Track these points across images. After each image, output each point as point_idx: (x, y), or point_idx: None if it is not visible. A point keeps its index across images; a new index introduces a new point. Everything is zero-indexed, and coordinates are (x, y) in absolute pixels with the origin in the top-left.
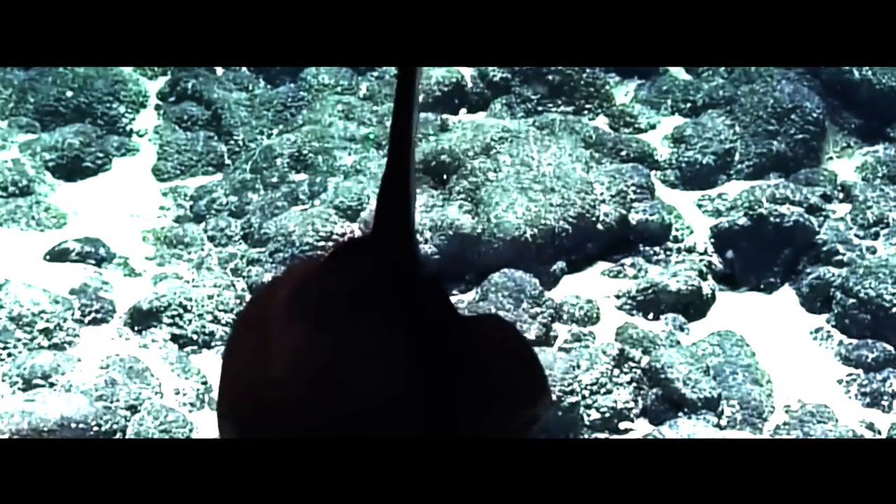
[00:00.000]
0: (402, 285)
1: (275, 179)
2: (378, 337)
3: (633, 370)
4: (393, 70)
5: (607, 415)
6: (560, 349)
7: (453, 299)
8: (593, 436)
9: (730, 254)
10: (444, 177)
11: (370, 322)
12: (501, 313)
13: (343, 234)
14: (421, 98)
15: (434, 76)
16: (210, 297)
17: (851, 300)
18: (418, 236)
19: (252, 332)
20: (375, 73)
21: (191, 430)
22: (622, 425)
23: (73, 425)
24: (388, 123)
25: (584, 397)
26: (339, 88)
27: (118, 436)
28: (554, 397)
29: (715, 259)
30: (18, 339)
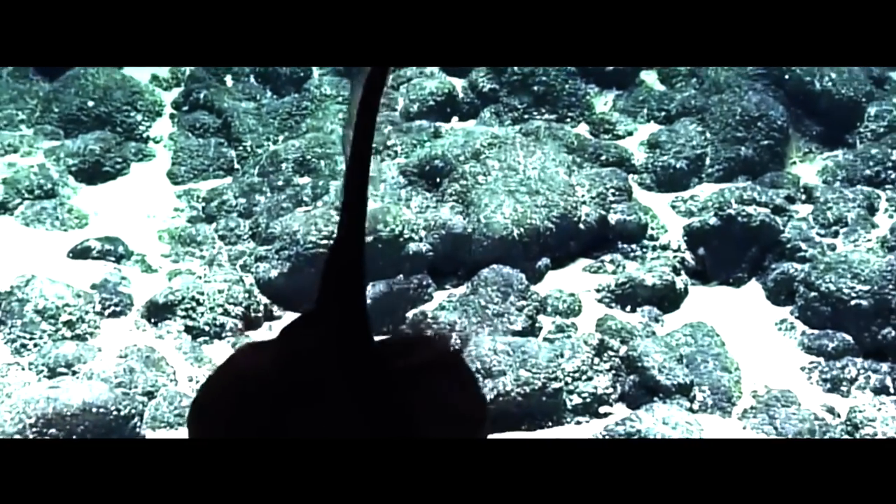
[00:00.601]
0: (351, 363)
1: (280, 183)
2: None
3: (612, 358)
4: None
5: (588, 400)
6: (545, 339)
7: (445, 294)
8: (575, 419)
9: (701, 251)
10: (437, 180)
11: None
12: (491, 306)
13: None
14: (415, 108)
15: (427, 87)
16: (220, 292)
17: (813, 293)
18: (413, 235)
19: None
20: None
21: None
22: (602, 409)
23: (95, 410)
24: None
25: (566, 384)
26: (339, 98)
27: (136, 420)
28: (539, 384)
29: (687, 256)
30: (43, 331)
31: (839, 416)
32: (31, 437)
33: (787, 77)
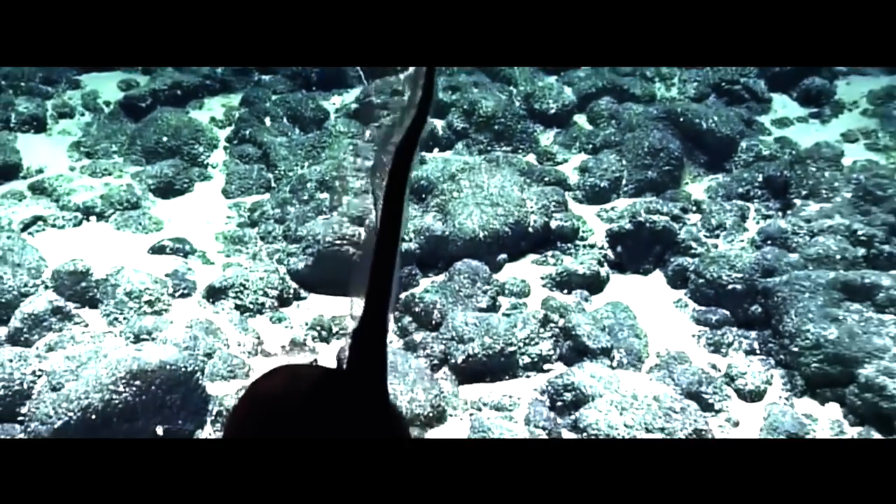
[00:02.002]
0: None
1: (306, 197)
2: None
3: (553, 328)
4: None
5: (535, 359)
6: (503, 314)
7: (428, 281)
8: (525, 374)
9: (619, 248)
10: (423, 195)
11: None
12: (463, 290)
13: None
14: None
15: None
16: (261, 279)
17: (701, 280)
18: (404, 237)
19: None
20: (376, 125)
21: (248, 372)
22: (545, 367)
23: (168, 367)
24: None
25: (519, 347)
26: (350, 134)
27: (198, 374)
28: (499, 347)
29: (609, 252)
30: (130, 308)
31: (720, 370)
32: (120, 387)
33: (681, 119)
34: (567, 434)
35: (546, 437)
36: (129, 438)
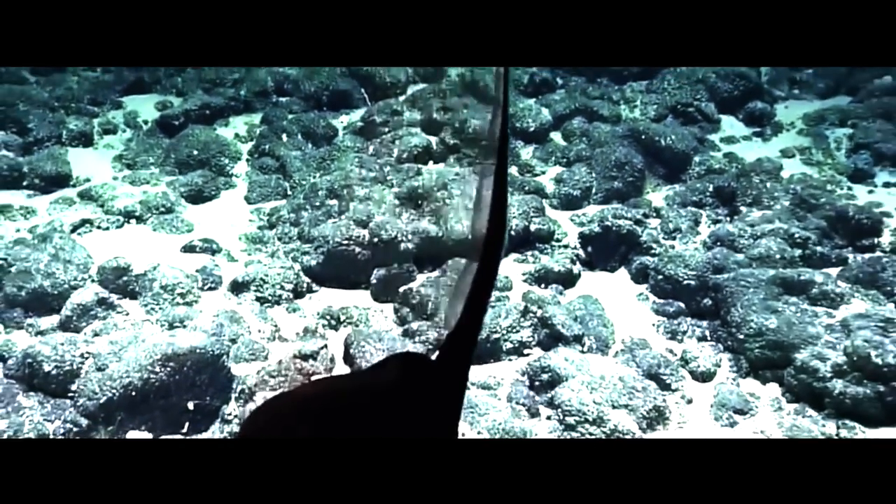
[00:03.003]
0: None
1: (317, 203)
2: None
3: (532, 318)
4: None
5: (516, 345)
6: (490, 306)
7: (424, 276)
8: (507, 358)
9: (589, 249)
10: (419, 202)
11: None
12: (453, 284)
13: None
14: (405, 155)
15: (413, 141)
16: (278, 274)
17: (660, 276)
18: (403, 238)
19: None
20: (379, 140)
21: (266, 355)
22: (525, 351)
23: (198, 350)
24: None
25: (502, 335)
26: (356, 148)
27: (224, 357)
28: (485, 334)
29: (580, 252)
30: (165, 299)
31: (676, 355)
32: (157, 368)
33: (643, 137)
34: (543, 409)
35: (529, 414)
36: (128, 438)
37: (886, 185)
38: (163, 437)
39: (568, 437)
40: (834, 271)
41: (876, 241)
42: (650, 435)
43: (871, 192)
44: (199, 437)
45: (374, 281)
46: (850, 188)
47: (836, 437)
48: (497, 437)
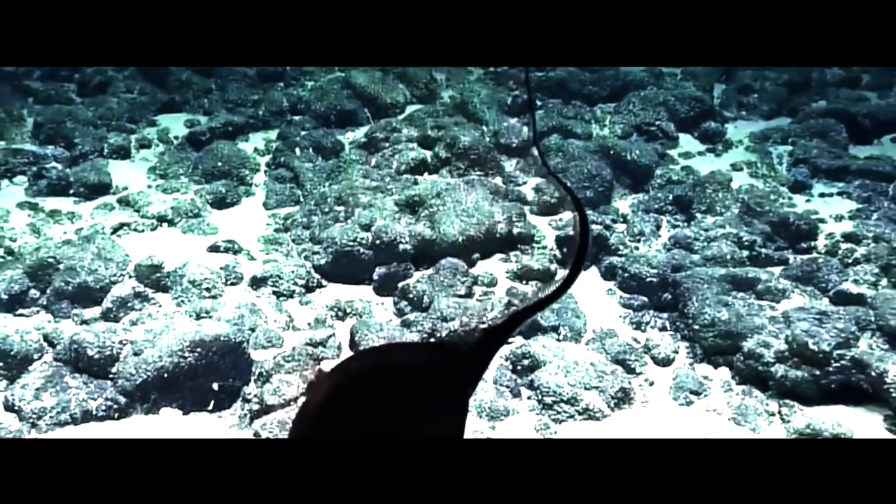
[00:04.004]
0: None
1: (326, 210)
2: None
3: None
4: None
5: None
6: (477, 300)
7: (420, 274)
8: None
9: (564, 250)
10: (416, 208)
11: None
12: (446, 281)
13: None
14: (403, 167)
15: (411, 155)
16: (292, 272)
17: (626, 274)
18: (402, 240)
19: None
20: (380, 154)
21: (282, 342)
22: (509, 339)
23: (221, 338)
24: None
25: (488, 326)
26: (360, 161)
27: (244, 344)
28: (473, 325)
29: (557, 253)
30: (193, 293)
31: (640, 343)
32: (186, 353)
33: (611, 152)
34: (524, 391)
35: (511, 395)
36: (127, 438)
37: (822, 195)
38: (162, 437)
39: (546, 415)
40: (777, 270)
41: (813, 244)
42: (616, 413)
43: (808, 200)
44: (197, 438)
45: (375, 277)
46: (790, 198)
47: (835, 438)
48: (483, 414)
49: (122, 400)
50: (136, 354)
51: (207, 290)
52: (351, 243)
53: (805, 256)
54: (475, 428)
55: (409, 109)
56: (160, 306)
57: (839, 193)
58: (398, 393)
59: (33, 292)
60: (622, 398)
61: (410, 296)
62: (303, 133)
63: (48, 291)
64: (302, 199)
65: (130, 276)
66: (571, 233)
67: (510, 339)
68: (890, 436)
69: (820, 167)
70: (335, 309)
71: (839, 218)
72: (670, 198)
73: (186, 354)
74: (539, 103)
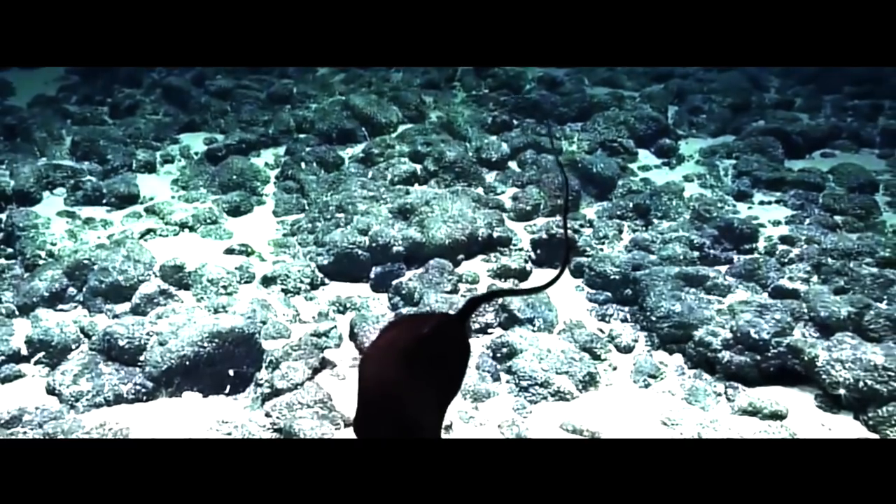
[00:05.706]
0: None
1: (328, 216)
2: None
3: (495, 305)
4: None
5: (482, 326)
6: (461, 296)
7: (411, 273)
8: (474, 335)
9: (538, 251)
10: (408, 215)
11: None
12: (434, 279)
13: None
14: (397, 178)
15: (402, 167)
16: (299, 271)
17: (593, 272)
18: (395, 243)
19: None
20: (376, 167)
21: (289, 334)
22: (489, 331)
23: (236, 330)
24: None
25: (472, 318)
26: (358, 174)
27: (257, 335)
28: (457, 318)
29: (532, 254)
30: (211, 290)
31: (604, 332)
32: (205, 343)
33: (579, 165)
34: (503, 375)
35: (492, 379)
36: (127, 438)
37: (761, 202)
38: (162, 437)
39: (522, 397)
40: (723, 269)
41: (754, 245)
42: (584, 394)
43: (750, 207)
44: (198, 437)
45: (372, 276)
46: (734, 205)
47: (835, 438)
48: (468, 396)
49: (150, 385)
50: (161, 345)
51: (224, 287)
52: (350, 246)
53: (747, 256)
54: (460, 409)
55: (402, 128)
56: (182, 302)
57: (776, 201)
58: (427, 331)
59: (71, 290)
60: (589, 381)
61: (403, 292)
62: (308, 149)
63: (84, 289)
64: (307, 207)
65: (156, 276)
66: (543, 237)
67: (493, 322)
68: (823, 413)
69: (760, 178)
70: (336, 304)
71: (776, 223)
72: (631, 205)
73: (205, 344)
74: (516, 122)
